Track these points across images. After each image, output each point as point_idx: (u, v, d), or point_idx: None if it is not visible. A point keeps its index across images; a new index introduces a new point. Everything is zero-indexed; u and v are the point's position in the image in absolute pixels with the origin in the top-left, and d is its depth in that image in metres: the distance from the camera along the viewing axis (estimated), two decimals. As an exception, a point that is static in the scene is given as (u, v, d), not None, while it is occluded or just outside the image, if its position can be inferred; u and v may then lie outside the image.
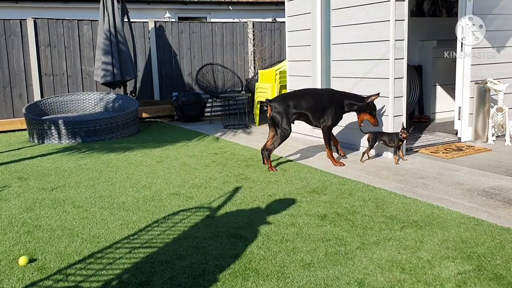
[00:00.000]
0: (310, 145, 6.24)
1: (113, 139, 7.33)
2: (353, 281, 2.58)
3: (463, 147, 5.72)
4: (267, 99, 5.21)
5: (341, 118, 5.32)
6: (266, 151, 5.15)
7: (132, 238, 3.30)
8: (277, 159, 5.54)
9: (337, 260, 2.84)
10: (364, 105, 5.17)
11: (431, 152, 5.49)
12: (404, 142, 5.25)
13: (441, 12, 8.07)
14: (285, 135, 5.09)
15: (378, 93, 5.21)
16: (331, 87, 6.20)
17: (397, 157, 5.19)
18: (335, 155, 5.42)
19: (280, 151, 5.91)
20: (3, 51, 8.74)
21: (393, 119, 5.34)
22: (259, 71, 8.63)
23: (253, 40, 10.82)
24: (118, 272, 2.79)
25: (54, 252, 3.08)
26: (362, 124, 5.27)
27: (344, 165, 5.15)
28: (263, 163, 5.28)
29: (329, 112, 5.16)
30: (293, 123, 5.21)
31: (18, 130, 8.48)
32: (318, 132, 6.44)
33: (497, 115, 5.78)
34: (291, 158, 5.60)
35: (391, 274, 2.65)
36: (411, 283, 2.54)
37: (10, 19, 8.84)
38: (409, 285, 2.52)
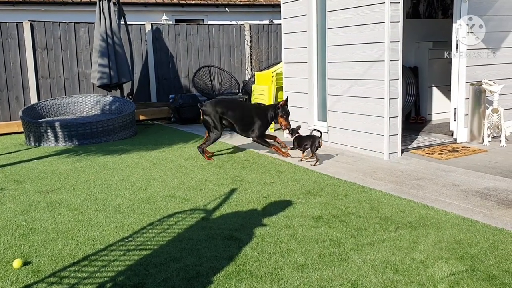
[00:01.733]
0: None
1: (109, 142, 7.33)
2: (346, 282, 2.59)
3: (459, 148, 5.73)
4: (199, 104, 5.86)
5: (267, 127, 5.90)
6: (199, 149, 5.80)
7: (127, 240, 3.30)
8: (276, 162, 5.55)
9: (331, 261, 2.85)
10: (277, 110, 5.71)
11: (427, 153, 5.50)
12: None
13: (437, 14, 8.10)
14: (216, 137, 5.76)
15: (287, 98, 5.90)
16: (327, 89, 6.22)
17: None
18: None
19: (276, 153, 5.92)
20: (-1, 54, 8.75)
21: (389, 120, 5.36)
22: (255, 73, 8.65)
23: (250, 42, 10.84)
24: (112, 274, 2.79)
25: (48, 255, 3.08)
26: (283, 128, 5.80)
27: (290, 155, 5.59)
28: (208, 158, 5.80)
29: (256, 125, 5.72)
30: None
31: (14, 133, 8.47)
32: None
33: (493, 116, 5.80)
34: (287, 160, 5.61)
35: (384, 275, 2.66)
36: (404, 284, 2.55)
37: (6, 22, 8.86)
38: (402, 286, 2.53)
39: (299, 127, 5.59)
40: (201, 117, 5.74)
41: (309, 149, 5.36)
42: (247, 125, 5.75)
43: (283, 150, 5.74)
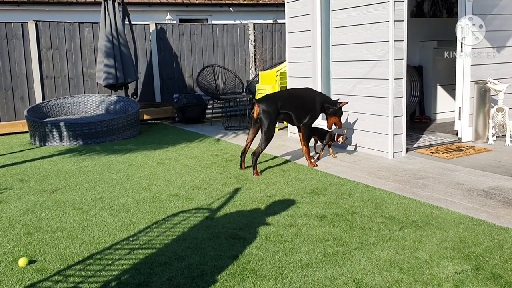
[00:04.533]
0: (310, 146, 6.23)
1: (114, 141, 7.35)
2: (351, 281, 2.59)
3: (464, 147, 5.71)
4: (254, 99, 5.16)
5: (317, 117, 5.47)
6: (254, 156, 4.99)
7: (131, 239, 3.31)
8: (280, 161, 5.55)
9: (335, 260, 2.84)
10: (337, 109, 5.33)
11: (431, 153, 5.49)
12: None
13: (441, 13, 8.07)
14: (271, 137, 5.03)
15: (347, 102, 5.47)
16: (332, 88, 6.22)
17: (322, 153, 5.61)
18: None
19: (280, 152, 5.93)
20: (4, 54, 8.79)
21: (393, 120, 5.35)
22: (259, 72, 8.65)
23: (254, 41, 10.84)
24: (117, 273, 2.80)
25: (53, 254, 3.10)
26: (333, 127, 5.49)
27: (317, 165, 5.21)
28: (240, 167, 5.20)
29: (311, 113, 5.25)
30: (277, 124, 5.35)
31: (19, 133, 8.51)
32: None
33: (498, 115, 5.78)
34: (291, 159, 5.61)
35: (389, 274, 2.65)
36: (408, 283, 2.55)
37: (11, 22, 8.89)
38: (407, 285, 2.53)
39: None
40: (256, 114, 5.01)
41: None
42: (305, 113, 5.21)
43: (312, 160, 5.31)
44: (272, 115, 5.00)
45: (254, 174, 4.93)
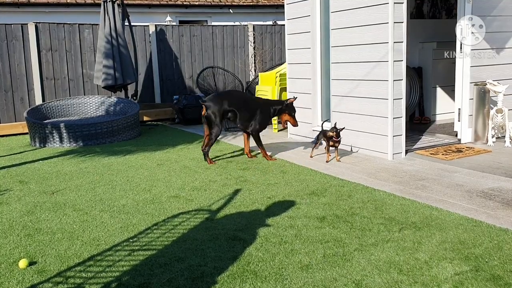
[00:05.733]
0: (309, 147, 6.24)
1: (114, 143, 7.36)
2: (350, 282, 2.59)
3: (463, 148, 5.72)
4: (201, 99, 5.65)
5: (268, 123, 5.89)
6: (207, 147, 5.59)
7: (131, 241, 3.32)
8: (279, 162, 5.56)
9: (335, 262, 2.85)
10: (283, 107, 5.69)
11: (431, 154, 5.50)
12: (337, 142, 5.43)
13: (441, 14, 8.09)
14: (219, 133, 5.57)
15: (296, 97, 5.80)
16: (331, 90, 6.23)
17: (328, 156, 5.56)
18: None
19: (280, 153, 5.93)
20: (4, 55, 8.80)
21: (393, 121, 5.36)
22: (259, 74, 8.66)
23: (254, 43, 10.85)
24: (117, 274, 2.80)
25: (54, 255, 3.10)
26: (286, 125, 5.82)
27: (276, 159, 5.61)
28: (205, 160, 5.65)
29: (257, 118, 5.64)
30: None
31: (19, 134, 8.51)
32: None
33: (497, 116, 5.79)
34: (290, 160, 5.62)
35: (388, 275, 2.66)
36: (408, 284, 2.55)
37: (11, 24, 8.90)
38: (406, 286, 2.53)
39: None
40: (203, 112, 5.50)
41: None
42: (249, 118, 5.63)
43: (268, 155, 5.73)
44: (216, 113, 5.45)
45: (208, 163, 5.56)
